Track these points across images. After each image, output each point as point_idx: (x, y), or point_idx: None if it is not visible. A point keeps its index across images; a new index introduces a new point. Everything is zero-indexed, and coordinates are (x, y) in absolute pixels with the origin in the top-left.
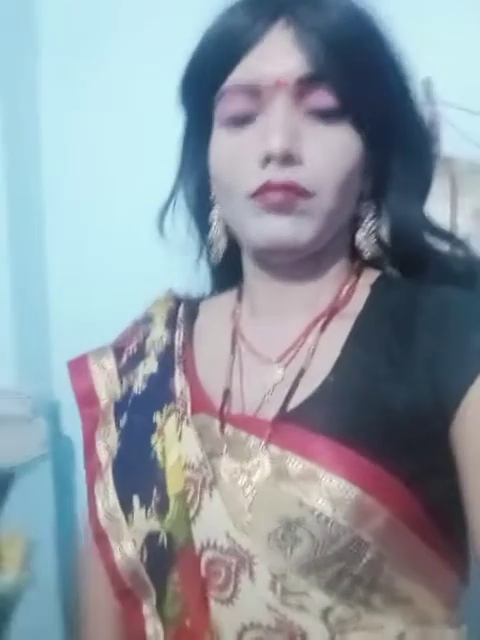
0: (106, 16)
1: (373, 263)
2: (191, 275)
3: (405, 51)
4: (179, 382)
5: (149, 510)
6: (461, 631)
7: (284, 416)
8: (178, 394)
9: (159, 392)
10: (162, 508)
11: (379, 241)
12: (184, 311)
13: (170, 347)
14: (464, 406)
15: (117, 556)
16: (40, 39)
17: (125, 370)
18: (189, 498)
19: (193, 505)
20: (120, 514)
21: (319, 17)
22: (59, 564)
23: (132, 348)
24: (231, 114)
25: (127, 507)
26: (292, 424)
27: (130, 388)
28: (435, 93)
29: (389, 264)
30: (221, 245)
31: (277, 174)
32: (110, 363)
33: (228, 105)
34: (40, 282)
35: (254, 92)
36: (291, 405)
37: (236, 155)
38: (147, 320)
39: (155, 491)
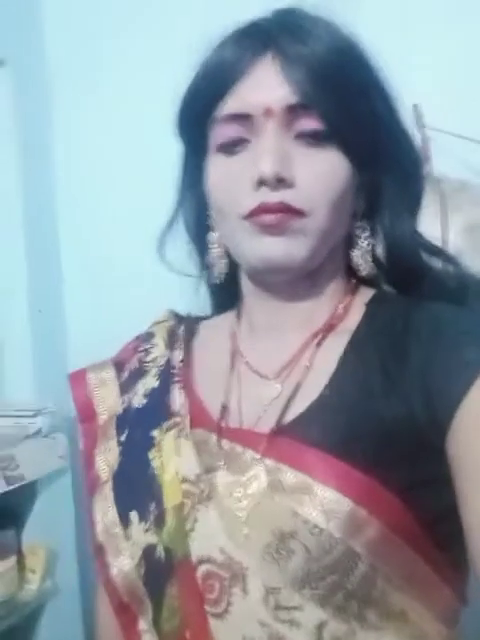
0: (111, 46)
1: (369, 281)
2: (191, 297)
3: (391, 75)
4: (178, 398)
5: (147, 524)
6: None
7: (280, 430)
8: (176, 409)
9: (158, 408)
10: (159, 521)
11: (375, 259)
12: (184, 330)
13: (169, 365)
14: (457, 419)
15: (114, 571)
16: (50, 68)
17: (126, 386)
18: (186, 511)
19: (189, 518)
20: (118, 529)
21: (304, 48)
22: (80, 573)
23: (133, 364)
24: (224, 141)
25: (125, 522)
26: (287, 437)
27: (130, 404)
28: (424, 118)
29: (385, 281)
30: (221, 267)
31: (270, 196)
32: (110, 377)
33: (221, 132)
34: (57, 300)
35: (246, 120)
36: (287, 419)
37: (230, 179)
38: (148, 338)
39: (153, 505)
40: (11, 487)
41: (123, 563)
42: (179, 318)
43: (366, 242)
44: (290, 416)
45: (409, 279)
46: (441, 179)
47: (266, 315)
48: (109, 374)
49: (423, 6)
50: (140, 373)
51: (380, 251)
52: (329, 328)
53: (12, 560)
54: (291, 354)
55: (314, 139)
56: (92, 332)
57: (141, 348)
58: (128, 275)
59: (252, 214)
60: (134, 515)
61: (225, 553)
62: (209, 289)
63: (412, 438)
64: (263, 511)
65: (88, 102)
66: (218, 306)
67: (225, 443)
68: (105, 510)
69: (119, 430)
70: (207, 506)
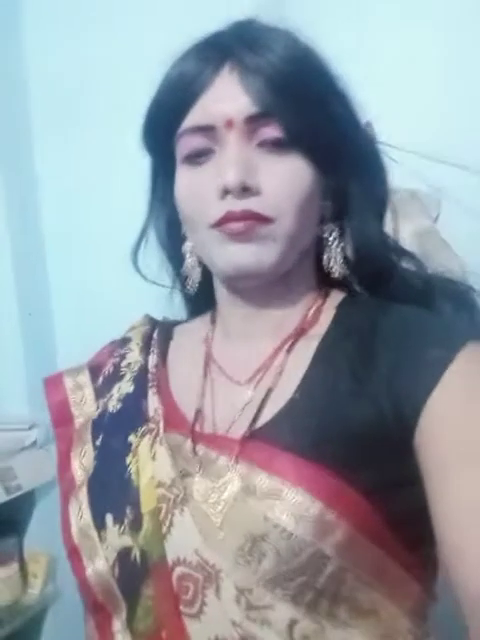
0: (93, 70)
1: (341, 283)
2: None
3: (349, 83)
4: (152, 402)
5: (122, 527)
6: None
7: (252, 434)
8: (151, 414)
9: (133, 413)
10: (135, 525)
11: (346, 260)
12: (159, 334)
13: (144, 370)
14: (423, 418)
15: (88, 571)
16: (32, 100)
17: (101, 391)
18: (161, 516)
19: (165, 522)
20: (93, 531)
21: (261, 59)
22: None
23: (108, 369)
24: (190, 152)
25: (100, 525)
26: (259, 442)
27: (106, 408)
28: (377, 133)
29: (357, 283)
30: (195, 276)
31: (235, 205)
32: (86, 381)
33: (187, 144)
34: (47, 315)
35: (209, 131)
36: (259, 424)
37: (197, 189)
38: (124, 343)
39: (128, 509)
40: (11, 497)
41: (98, 564)
42: (154, 323)
43: (335, 244)
44: (262, 421)
45: (378, 280)
46: (393, 190)
47: (239, 322)
48: (84, 378)
49: (373, 20)
50: (115, 378)
51: (350, 253)
52: (300, 333)
53: (15, 566)
54: (263, 360)
55: (276, 146)
56: (82, 346)
57: (117, 353)
58: (117, 288)
59: (219, 223)
60: (109, 518)
61: (199, 555)
62: (184, 297)
63: (381, 440)
64: (236, 515)
65: (71, 114)
66: (193, 312)
67: (199, 448)
68: (79, 513)
69: (94, 434)
70: (182, 510)
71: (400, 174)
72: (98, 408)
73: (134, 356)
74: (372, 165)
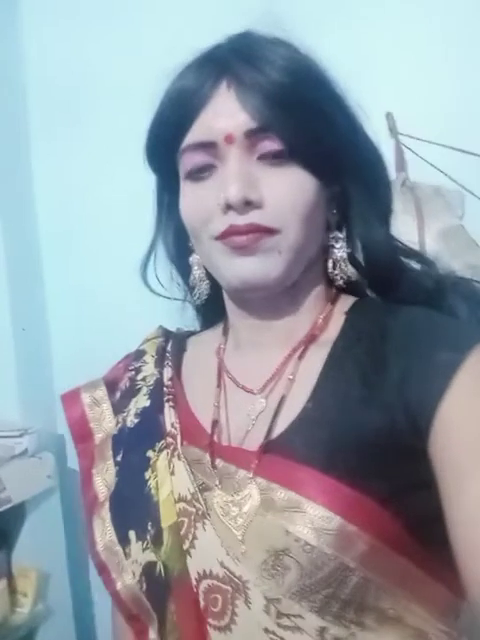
0: (88, 88)
1: (352, 288)
2: (178, 312)
3: (358, 86)
4: (169, 416)
5: (145, 543)
6: None
7: (267, 447)
8: (168, 428)
9: (151, 428)
10: (157, 540)
11: (355, 265)
12: (172, 347)
13: (160, 383)
14: (437, 423)
15: (119, 586)
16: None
17: (119, 406)
18: (183, 530)
19: (188, 537)
20: (118, 548)
21: (258, 74)
22: (73, 595)
23: (124, 383)
24: (192, 168)
25: (124, 541)
26: (275, 455)
27: (124, 424)
28: (398, 126)
29: (368, 287)
30: (203, 287)
31: (239, 219)
32: (103, 396)
33: (189, 161)
34: (41, 319)
35: (210, 147)
36: (273, 434)
37: (201, 204)
38: (138, 356)
39: (150, 525)
40: None
41: (126, 579)
42: (168, 334)
43: (340, 252)
44: (276, 431)
45: (388, 283)
46: (416, 186)
47: (249, 332)
48: (101, 393)
49: (395, 14)
50: (132, 392)
51: (359, 258)
52: (310, 340)
53: (2, 583)
54: (274, 368)
55: (277, 159)
56: (76, 351)
57: (132, 367)
58: (111, 293)
59: (223, 235)
60: (132, 534)
61: (225, 568)
62: (195, 309)
63: (395, 447)
64: (257, 529)
65: (69, 124)
66: (206, 323)
67: (218, 462)
68: (104, 530)
69: (115, 450)
70: (204, 524)
71: (424, 169)
72: (118, 423)
73: (149, 369)
74: (374, 170)
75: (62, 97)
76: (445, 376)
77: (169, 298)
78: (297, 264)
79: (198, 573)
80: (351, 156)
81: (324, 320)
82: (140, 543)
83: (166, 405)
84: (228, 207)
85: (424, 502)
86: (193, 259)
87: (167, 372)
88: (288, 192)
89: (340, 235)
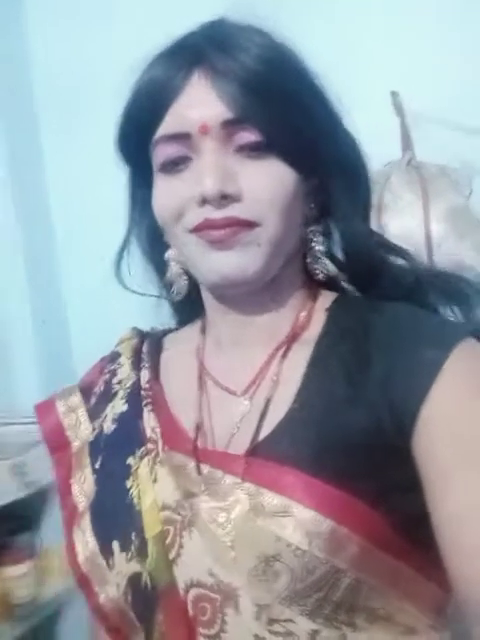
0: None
1: (332, 284)
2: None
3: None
4: (148, 421)
5: (130, 554)
6: (445, 636)
7: (254, 450)
8: (148, 434)
9: (130, 433)
10: (142, 551)
11: (334, 260)
12: (148, 347)
13: (137, 386)
14: (420, 422)
15: (102, 598)
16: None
17: (95, 411)
18: (169, 539)
19: (173, 546)
20: (101, 559)
21: (233, 62)
22: None
23: (100, 387)
24: (165, 160)
25: (107, 552)
26: (263, 458)
27: (101, 430)
28: (403, 104)
29: (347, 282)
30: (182, 283)
31: (215, 212)
32: (79, 403)
33: (162, 152)
34: (61, 311)
35: (185, 138)
36: (260, 437)
37: (176, 197)
38: (113, 359)
39: (133, 535)
40: (25, 493)
41: (110, 591)
42: (143, 335)
43: (320, 246)
44: (263, 434)
45: (368, 278)
46: (421, 165)
47: (229, 329)
48: (76, 400)
49: None
50: (108, 397)
51: (338, 253)
52: (292, 338)
53: (30, 563)
54: (257, 368)
55: (254, 151)
56: (96, 340)
57: (107, 370)
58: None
59: (197, 228)
60: (116, 545)
61: (214, 576)
62: (171, 306)
63: (382, 447)
64: (246, 535)
65: (82, 116)
66: (181, 321)
67: (204, 468)
68: (85, 541)
69: (93, 457)
70: (191, 532)
71: (429, 148)
72: (94, 430)
73: (125, 372)
74: (353, 164)
75: (68, 93)
76: (428, 375)
77: (144, 295)
78: (276, 258)
79: (185, 582)
80: (330, 149)
81: (306, 317)
82: (124, 554)
83: (145, 409)
84: (204, 201)
85: (412, 502)
86: (169, 254)
87: (144, 374)
88: (267, 185)
89: (319, 229)
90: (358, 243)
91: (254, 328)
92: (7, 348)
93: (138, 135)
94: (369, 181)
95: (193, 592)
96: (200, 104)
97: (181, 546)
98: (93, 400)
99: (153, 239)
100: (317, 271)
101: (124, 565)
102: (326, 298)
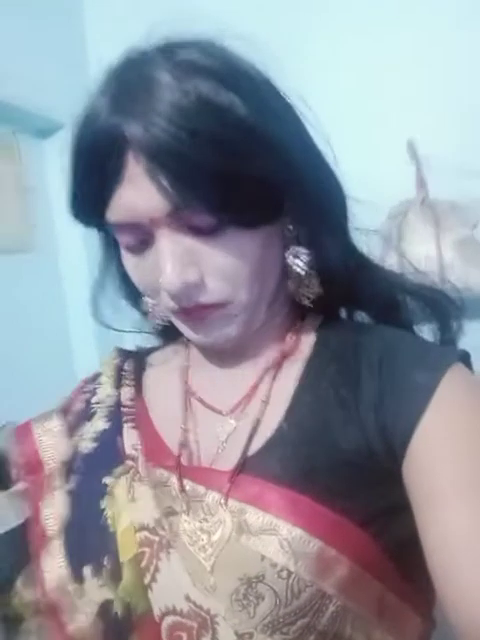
0: None
1: (319, 307)
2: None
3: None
4: (129, 438)
5: (101, 579)
6: None
7: (241, 467)
8: (128, 451)
9: (108, 452)
10: (114, 576)
11: (321, 275)
12: (131, 366)
13: (117, 404)
14: (412, 445)
15: (71, 628)
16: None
17: (71, 430)
18: (144, 562)
19: (149, 569)
20: (71, 586)
21: (160, 147)
22: None
23: (78, 406)
24: (126, 244)
25: (78, 578)
26: (250, 475)
27: (77, 449)
28: (417, 149)
29: (328, 300)
30: (158, 312)
31: (185, 301)
32: (55, 425)
33: (120, 237)
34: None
35: (136, 227)
36: (247, 455)
37: (146, 278)
38: (94, 379)
39: (106, 559)
40: None
41: (78, 621)
42: (125, 354)
43: (300, 270)
44: (250, 452)
45: (348, 292)
46: (434, 203)
47: (216, 355)
48: (54, 423)
49: (408, 39)
50: (86, 415)
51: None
52: (282, 359)
53: None
54: (244, 389)
55: (210, 230)
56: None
57: (86, 389)
58: None
59: (173, 312)
60: (87, 570)
61: (191, 602)
62: (152, 329)
63: (371, 468)
64: (229, 557)
65: None
66: (166, 340)
67: (186, 483)
68: (55, 566)
69: (67, 478)
70: (169, 554)
71: (439, 185)
72: (69, 449)
73: (105, 391)
74: (322, 176)
75: None
76: (421, 400)
77: (119, 331)
78: (258, 314)
79: (161, 609)
80: (296, 175)
81: (294, 337)
82: (96, 579)
83: (125, 426)
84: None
85: (402, 526)
86: (146, 300)
87: (126, 392)
88: (230, 263)
89: (302, 250)
90: (334, 261)
91: (241, 353)
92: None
93: (89, 212)
94: (342, 193)
95: (168, 620)
96: (141, 194)
97: (157, 569)
98: (70, 419)
99: (130, 287)
100: (303, 297)
101: (95, 592)
102: (314, 319)
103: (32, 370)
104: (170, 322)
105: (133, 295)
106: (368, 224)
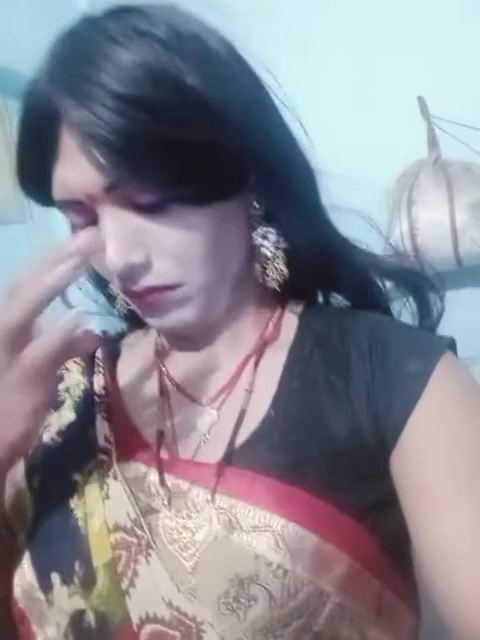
0: None
1: (301, 290)
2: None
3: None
4: (101, 429)
5: (72, 587)
6: None
7: (228, 459)
8: (101, 444)
9: (77, 446)
10: (87, 583)
11: (292, 257)
12: (103, 353)
13: (89, 393)
14: (404, 436)
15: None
16: None
17: None
18: (121, 566)
19: (126, 574)
20: (39, 594)
21: (94, 119)
22: None
23: None
24: (73, 223)
25: (46, 586)
26: (238, 467)
27: (39, 442)
28: (429, 108)
29: (302, 282)
30: (123, 299)
31: (133, 284)
32: None
33: (67, 217)
34: None
35: (78, 204)
36: (234, 446)
37: (96, 258)
38: None
39: (77, 564)
40: None
41: (49, 633)
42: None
43: (267, 251)
44: (237, 443)
45: (322, 272)
46: (447, 163)
47: (189, 339)
48: None
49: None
50: (53, 404)
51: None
52: (263, 346)
53: None
54: (224, 377)
55: (152, 207)
56: None
57: None
58: None
59: (127, 294)
60: (56, 577)
61: (174, 608)
62: (120, 315)
63: (365, 458)
64: (217, 557)
65: None
66: (136, 326)
67: (167, 478)
68: (21, 571)
69: (28, 475)
70: (148, 556)
71: (453, 147)
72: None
73: (74, 378)
74: (287, 147)
75: None
76: (415, 388)
77: (92, 314)
78: (217, 297)
79: (140, 617)
80: (251, 152)
81: (275, 324)
82: (65, 588)
83: (98, 416)
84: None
85: (394, 520)
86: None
87: (98, 380)
88: (178, 241)
89: (270, 229)
90: (305, 240)
91: (216, 338)
92: None
93: (36, 191)
94: (311, 171)
95: (148, 629)
96: (77, 170)
97: (135, 574)
98: None
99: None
100: (270, 280)
101: (65, 601)
102: (295, 305)
103: None
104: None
105: (98, 278)
106: (378, 187)
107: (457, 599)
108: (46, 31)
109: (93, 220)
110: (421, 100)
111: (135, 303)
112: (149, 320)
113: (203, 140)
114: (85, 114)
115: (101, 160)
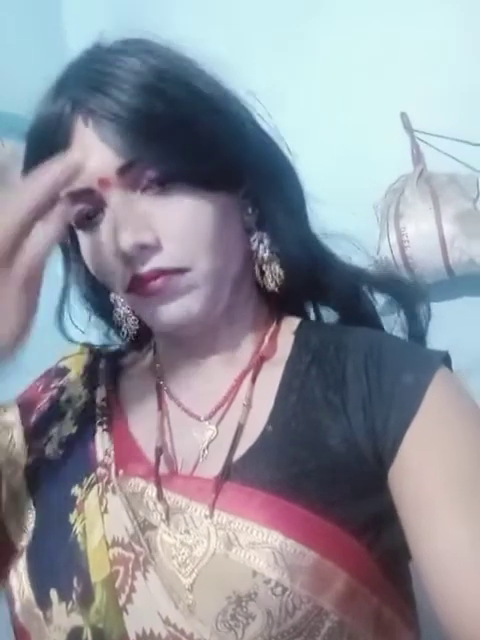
0: None
1: (295, 306)
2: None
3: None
4: (101, 443)
5: (70, 604)
6: None
7: (226, 475)
8: (100, 458)
9: (78, 459)
10: (85, 599)
11: (284, 263)
12: (106, 366)
13: (90, 406)
14: (402, 451)
15: None
16: None
17: (35, 432)
18: (119, 582)
19: (123, 590)
20: (38, 610)
21: (110, 101)
22: None
23: (44, 405)
24: (77, 218)
25: (44, 603)
26: (236, 483)
27: (42, 455)
28: (412, 123)
29: (292, 291)
30: (131, 323)
31: (140, 267)
32: (14, 420)
33: (72, 209)
34: None
35: (87, 193)
36: (231, 462)
37: (98, 254)
38: (61, 374)
39: (76, 580)
40: None
41: None
42: (98, 352)
43: (263, 254)
44: (234, 459)
45: (312, 281)
46: (432, 176)
47: (187, 356)
48: (12, 417)
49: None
50: (53, 416)
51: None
52: (260, 361)
53: None
54: (221, 392)
55: (162, 187)
56: None
57: (54, 385)
58: None
59: (131, 288)
60: (54, 594)
61: (171, 625)
62: (120, 337)
63: (360, 470)
64: (215, 575)
65: None
66: (134, 343)
67: (166, 494)
68: (21, 587)
69: (29, 488)
70: (146, 572)
71: (438, 160)
72: (32, 453)
73: (76, 390)
74: (274, 162)
75: None
76: (411, 402)
77: (90, 345)
78: (221, 291)
79: (137, 634)
80: (245, 154)
81: (271, 339)
82: (64, 604)
83: (99, 429)
84: (125, 256)
85: (392, 536)
86: (114, 296)
87: (101, 392)
88: (185, 223)
89: (262, 235)
90: (294, 245)
91: (213, 350)
92: None
93: None
94: (297, 180)
95: None
96: (91, 156)
97: (133, 590)
98: (34, 418)
99: (93, 283)
100: (269, 281)
101: (63, 618)
102: (291, 321)
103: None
104: (138, 331)
105: (101, 298)
106: (367, 202)
107: (458, 610)
108: (36, 72)
109: (100, 210)
110: (404, 116)
111: (140, 296)
112: (153, 317)
113: (207, 122)
114: (102, 99)
115: (117, 140)
